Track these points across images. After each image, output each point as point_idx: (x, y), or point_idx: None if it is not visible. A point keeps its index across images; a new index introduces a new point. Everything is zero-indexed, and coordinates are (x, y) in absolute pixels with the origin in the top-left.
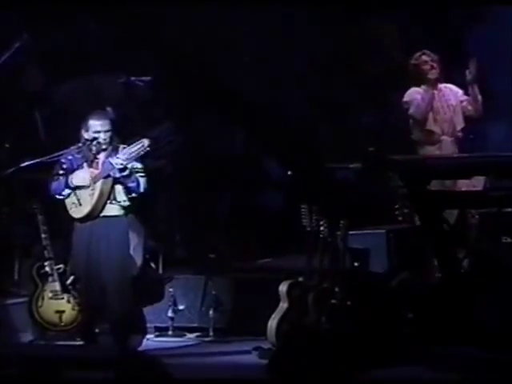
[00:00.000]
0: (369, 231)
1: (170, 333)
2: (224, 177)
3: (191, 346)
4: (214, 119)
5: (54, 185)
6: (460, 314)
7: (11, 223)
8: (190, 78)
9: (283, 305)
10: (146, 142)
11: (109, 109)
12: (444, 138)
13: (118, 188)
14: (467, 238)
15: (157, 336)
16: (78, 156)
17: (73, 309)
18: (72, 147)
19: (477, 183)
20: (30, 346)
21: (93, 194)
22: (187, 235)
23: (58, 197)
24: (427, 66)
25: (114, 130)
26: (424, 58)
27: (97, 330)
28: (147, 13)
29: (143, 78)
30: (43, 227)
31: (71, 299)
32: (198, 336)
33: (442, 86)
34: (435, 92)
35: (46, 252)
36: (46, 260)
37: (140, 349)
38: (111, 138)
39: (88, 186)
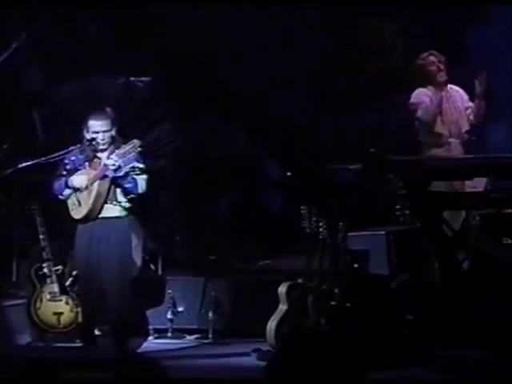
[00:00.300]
0: (368, 232)
1: (169, 335)
2: (224, 178)
3: (190, 347)
4: (213, 120)
5: (56, 185)
6: (460, 316)
7: (10, 224)
8: (190, 79)
9: (282, 307)
10: (137, 142)
11: (108, 109)
12: (452, 140)
13: (118, 189)
14: (467, 240)
15: (156, 338)
16: (81, 156)
17: (71, 310)
18: (74, 147)
19: (480, 184)
20: (28, 348)
21: (90, 195)
22: (187, 236)
23: (59, 197)
24: (434, 66)
25: (113, 130)
26: (431, 58)
27: (96, 332)
28: (147, 13)
29: (143, 79)
30: (41, 228)
31: (70, 301)
32: (197, 338)
33: (448, 87)
34: (443, 94)
35: (44, 253)
36: (44, 261)
37: (139, 351)
38: (113, 138)
39: (86, 187)
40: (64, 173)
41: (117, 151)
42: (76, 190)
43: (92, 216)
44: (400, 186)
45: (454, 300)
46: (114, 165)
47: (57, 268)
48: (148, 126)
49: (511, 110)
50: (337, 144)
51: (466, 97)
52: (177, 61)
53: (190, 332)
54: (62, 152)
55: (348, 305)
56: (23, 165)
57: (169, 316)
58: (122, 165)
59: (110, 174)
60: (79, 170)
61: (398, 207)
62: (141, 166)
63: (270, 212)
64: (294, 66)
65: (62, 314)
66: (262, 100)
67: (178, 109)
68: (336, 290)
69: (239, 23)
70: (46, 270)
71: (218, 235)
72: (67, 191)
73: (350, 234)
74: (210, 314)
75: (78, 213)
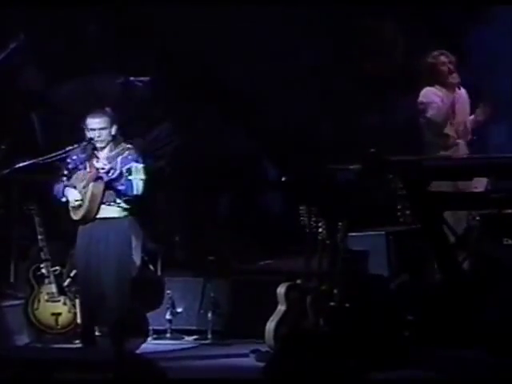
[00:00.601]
0: (368, 233)
1: (168, 335)
2: (223, 178)
3: (189, 348)
4: (213, 120)
5: (55, 189)
6: (460, 316)
7: (8, 224)
8: (190, 79)
9: (281, 307)
10: (125, 145)
11: (108, 109)
12: (459, 141)
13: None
14: (467, 240)
15: (155, 339)
16: (82, 156)
17: (69, 311)
18: (72, 147)
19: (481, 184)
20: (25, 349)
21: (86, 197)
22: (186, 237)
23: (60, 199)
24: (445, 67)
25: (112, 129)
26: (442, 58)
27: (95, 333)
28: (146, 13)
29: (142, 78)
30: (40, 229)
31: (67, 301)
32: (196, 339)
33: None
34: (455, 95)
35: (42, 254)
36: (42, 262)
37: (138, 351)
38: (113, 137)
39: (84, 188)
40: (65, 172)
41: (107, 154)
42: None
43: (90, 217)
44: (400, 186)
45: (453, 300)
46: (103, 168)
47: (55, 268)
48: (148, 125)
49: (511, 110)
50: (336, 144)
51: (468, 101)
52: (176, 60)
53: (189, 333)
54: (59, 152)
55: (347, 305)
56: (21, 165)
57: (168, 317)
58: (114, 167)
59: (104, 176)
60: (80, 169)
61: (398, 207)
62: (139, 166)
63: (269, 212)
64: (293, 66)
65: (59, 314)
66: (262, 100)
67: (178, 109)
68: (335, 291)
69: (239, 23)
70: (44, 271)
71: (217, 236)
72: (64, 199)
73: (349, 234)
74: (209, 315)
75: (76, 214)
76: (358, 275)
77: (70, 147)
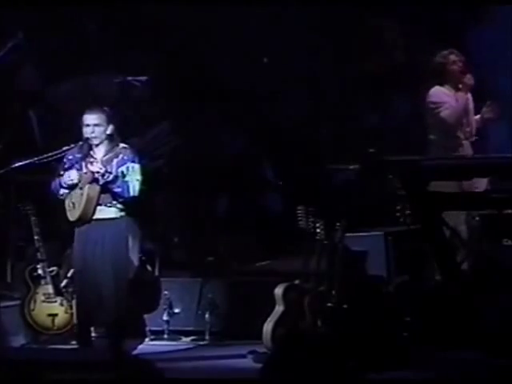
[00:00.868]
0: (366, 233)
1: (165, 336)
2: (221, 178)
3: (187, 349)
4: (211, 120)
5: (52, 185)
6: (459, 317)
7: (4, 225)
8: (188, 78)
9: (279, 308)
10: (118, 149)
11: (106, 108)
12: (465, 142)
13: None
14: (467, 240)
15: (152, 339)
16: (78, 155)
17: (66, 312)
18: (68, 147)
19: (482, 184)
20: (22, 350)
21: (82, 198)
22: (184, 238)
23: (58, 197)
24: (455, 66)
25: (109, 128)
26: (452, 57)
27: (92, 334)
28: (144, 12)
29: (140, 78)
30: (36, 229)
31: (64, 302)
32: (193, 340)
33: None
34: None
35: (38, 254)
36: (38, 262)
37: (135, 352)
38: (109, 136)
39: (80, 189)
40: (62, 172)
41: (103, 157)
42: (69, 187)
43: (86, 218)
44: (399, 186)
45: (452, 301)
46: (98, 172)
47: (51, 269)
48: (146, 125)
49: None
50: (335, 144)
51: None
52: (174, 60)
53: (187, 334)
54: (56, 152)
55: (345, 306)
56: (18, 164)
57: (165, 317)
58: (109, 170)
59: (100, 178)
60: (76, 169)
61: (397, 208)
62: (136, 166)
63: (268, 213)
64: (292, 65)
65: (56, 315)
66: (260, 100)
67: (176, 108)
68: (333, 292)
69: (238, 22)
70: (40, 271)
71: (215, 236)
72: (62, 190)
73: (347, 234)
74: (207, 316)
75: (72, 215)
76: (356, 276)
77: (67, 147)
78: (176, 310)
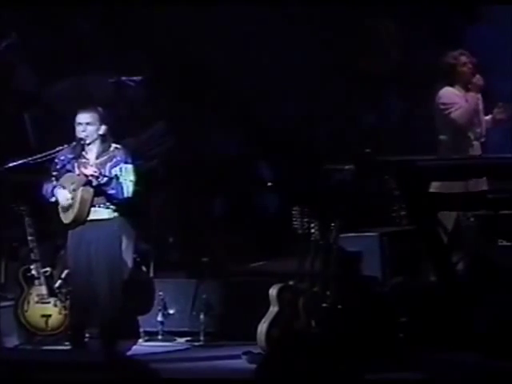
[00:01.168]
0: (361, 234)
1: (159, 337)
2: (216, 179)
3: (181, 350)
4: (206, 120)
5: (44, 189)
6: (454, 318)
7: None
8: (183, 78)
9: (273, 309)
10: (112, 152)
11: (100, 109)
12: (475, 142)
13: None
14: (462, 241)
15: (146, 340)
16: (70, 156)
17: (59, 313)
18: (62, 147)
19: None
20: (15, 351)
21: (75, 201)
22: (179, 238)
23: (49, 199)
24: (466, 67)
25: (101, 128)
26: (463, 58)
27: (86, 335)
28: (139, 12)
29: (134, 78)
30: (30, 229)
31: (58, 303)
32: (188, 340)
33: None
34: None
35: (32, 255)
36: (32, 263)
37: (129, 353)
38: (101, 136)
39: (73, 191)
40: (54, 173)
41: (96, 160)
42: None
43: (80, 220)
44: (394, 186)
45: (447, 302)
46: (92, 175)
47: (45, 270)
48: (140, 125)
49: None
50: (330, 144)
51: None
52: (169, 60)
53: (181, 334)
54: (50, 152)
55: (340, 307)
56: (12, 165)
57: (159, 318)
58: (103, 173)
59: (94, 180)
60: (68, 169)
61: (392, 208)
62: (129, 167)
63: (262, 213)
64: (288, 65)
65: (50, 316)
66: (256, 100)
67: (171, 109)
68: (328, 292)
69: (232, 22)
70: (34, 272)
71: (210, 237)
72: (54, 199)
73: (342, 235)
74: (201, 317)
75: (66, 217)
76: (350, 276)
77: (60, 147)
78: (170, 311)
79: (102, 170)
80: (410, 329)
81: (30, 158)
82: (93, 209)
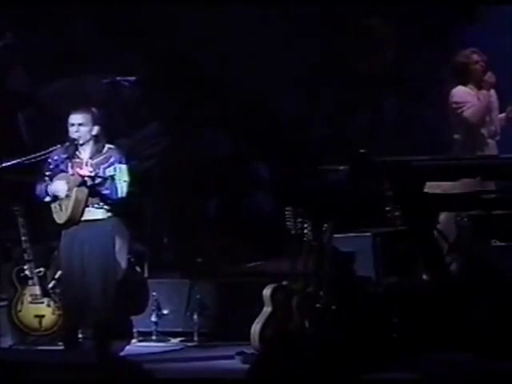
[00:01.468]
0: (355, 234)
1: (153, 337)
2: (211, 179)
3: (175, 350)
4: (200, 120)
5: (38, 189)
6: (448, 318)
7: None
8: (178, 78)
9: (267, 309)
10: (107, 153)
11: (94, 109)
12: (490, 141)
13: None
14: (456, 241)
15: (140, 341)
16: (63, 156)
17: (53, 313)
18: (55, 147)
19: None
20: (9, 351)
21: (69, 201)
22: (173, 238)
23: (43, 199)
24: (478, 65)
25: (94, 129)
26: (475, 57)
27: (79, 335)
28: (133, 12)
29: (129, 78)
30: (23, 230)
31: (51, 303)
32: (181, 341)
33: None
34: (491, 95)
35: (26, 255)
36: (25, 263)
37: (123, 354)
38: (94, 136)
39: (67, 191)
40: (47, 173)
41: (91, 161)
42: (55, 198)
43: (74, 221)
44: (388, 187)
45: (441, 302)
46: (88, 176)
47: (39, 270)
48: (135, 126)
49: None
50: (324, 145)
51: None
52: (164, 60)
53: (175, 335)
54: (44, 152)
55: (333, 307)
56: (6, 165)
57: (153, 319)
58: (97, 174)
59: (88, 181)
60: (61, 169)
61: (386, 209)
62: (123, 167)
63: (256, 214)
64: (282, 65)
65: (43, 316)
66: (251, 100)
67: (165, 109)
68: (321, 293)
69: (227, 22)
70: (27, 272)
71: (204, 237)
72: (48, 198)
73: (336, 235)
74: (195, 317)
75: (59, 217)
76: (344, 277)
77: (53, 147)
78: (164, 311)
79: (97, 171)
80: (403, 329)
81: (23, 158)
82: (87, 209)
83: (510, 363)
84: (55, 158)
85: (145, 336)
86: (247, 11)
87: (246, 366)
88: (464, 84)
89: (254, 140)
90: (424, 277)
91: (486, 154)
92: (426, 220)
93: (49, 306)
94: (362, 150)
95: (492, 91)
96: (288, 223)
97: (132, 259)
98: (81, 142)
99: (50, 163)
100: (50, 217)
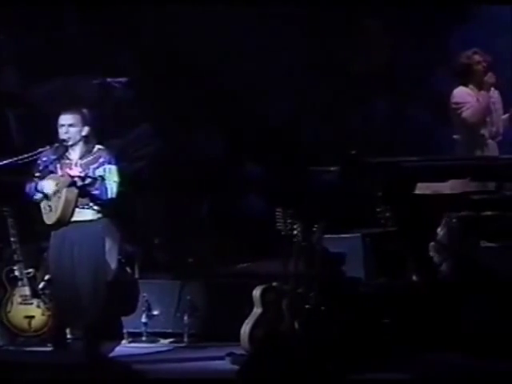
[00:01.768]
0: (345, 235)
1: (143, 338)
2: (201, 180)
3: (165, 351)
4: (192, 121)
5: (27, 188)
6: (438, 319)
7: None
8: (170, 79)
9: (257, 310)
10: (97, 153)
11: (85, 110)
12: (490, 141)
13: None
14: (445, 242)
15: (130, 342)
16: (53, 157)
17: (43, 314)
18: (45, 148)
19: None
20: None
21: (59, 202)
22: (163, 239)
23: (32, 200)
24: (480, 66)
25: (84, 130)
26: (477, 57)
27: (68, 336)
28: (125, 13)
29: (120, 79)
30: (13, 230)
31: (41, 304)
32: (171, 342)
33: None
34: (492, 95)
35: (15, 256)
36: (15, 264)
37: (113, 354)
38: (84, 137)
39: (56, 192)
40: (37, 174)
41: (80, 161)
42: (45, 195)
43: (63, 222)
44: (379, 187)
45: (431, 303)
46: (78, 176)
47: (28, 271)
48: (126, 127)
49: None
50: (315, 146)
51: (500, 103)
52: (155, 61)
53: (165, 336)
54: (33, 153)
55: (323, 308)
56: None
57: (143, 319)
58: (87, 174)
59: (78, 181)
60: (51, 170)
61: (375, 210)
62: (113, 167)
63: (246, 215)
64: (275, 66)
65: (33, 317)
66: (242, 101)
67: (157, 110)
68: (311, 294)
69: (220, 22)
70: (17, 273)
71: (194, 238)
72: (38, 195)
73: (326, 236)
74: (186, 318)
75: (49, 218)
76: (334, 277)
77: (42, 148)
78: (155, 312)
79: (86, 171)
80: (393, 329)
81: (13, 159)
82: (77, 210)
83: (501, 363)
84: (44, 158)
85: (135, 337)
86: (238, 12)
87: (236, 367)
88: (465, 84)
89: (244, 141)
90: (414, 277)
91: (485, 154)
92: (416, 221)
93: (38, 306)
94: (352, 151)
95: (495, 92)
96: (278, 224)
97: (122, 260)
98: (70, 142)
99: (39, 164)
100: (40, 217)
